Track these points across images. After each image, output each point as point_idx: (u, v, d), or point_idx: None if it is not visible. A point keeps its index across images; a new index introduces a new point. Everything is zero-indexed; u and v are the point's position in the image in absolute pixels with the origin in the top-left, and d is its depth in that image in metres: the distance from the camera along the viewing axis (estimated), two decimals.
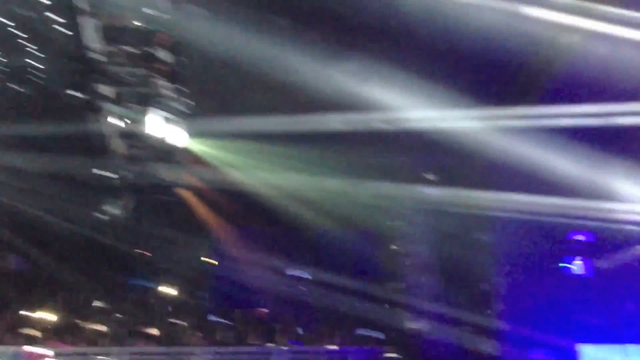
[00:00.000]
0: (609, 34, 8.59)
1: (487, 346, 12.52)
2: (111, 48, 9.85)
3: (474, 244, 12.76)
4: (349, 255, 13.47)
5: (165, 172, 12.58)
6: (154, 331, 14.21)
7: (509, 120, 10.12)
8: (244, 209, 13.39)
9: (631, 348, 14.51)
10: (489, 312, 12.67)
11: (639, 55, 8.78)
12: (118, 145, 11.76)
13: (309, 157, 11.73)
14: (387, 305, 12.82)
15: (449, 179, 12.13)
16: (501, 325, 12.51)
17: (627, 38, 8.60)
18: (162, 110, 10.98)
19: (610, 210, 12.08)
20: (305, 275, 13.74)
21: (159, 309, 14.83)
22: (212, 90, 11.12)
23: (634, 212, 12.20)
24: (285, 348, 13.29)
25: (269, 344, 13.60)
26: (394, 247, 12.67)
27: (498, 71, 10.17)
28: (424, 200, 12.19)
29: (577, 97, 9.78)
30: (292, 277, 13.83)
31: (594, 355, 14.70)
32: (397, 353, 12.85)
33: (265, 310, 14.41)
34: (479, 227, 12.73)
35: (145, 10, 9.34)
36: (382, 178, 11.93)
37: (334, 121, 10.41)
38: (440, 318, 12.34)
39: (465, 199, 11.86)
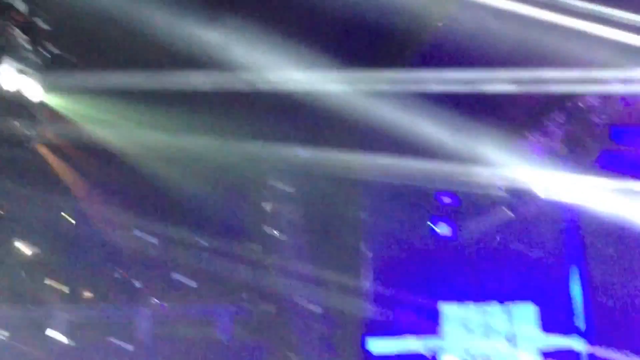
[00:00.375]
0: (479, 2, 8.63)
1: (353, 306, 12.59)
2: None
3: (342, 206, 12.72)
4: (214, 214, 13.14)
5: (19, 127, 11.83)
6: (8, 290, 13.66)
7: (378, 83, 10.03)
8: (104, 167, 12.78)
9: (489, 307, 15.05)
10: (356, 272, 12.70)
11: (507, 25, 8.89)
12: None
13: (173, 115, 11.31)
14: (254, 265, 12.63)
15: (317, 140, 11.99)
16: (368, 285, 12.59)
17: (496, 7, 8.66)
18: (16, 62, 10.24)
19: (475, 175, 12.33)
20: (169, 234, 13.31)
21: (16, 268, 14.17)
22: (71, 44, 10.50)
23: (497, 177, 12.49)
24: (148, 308, 12.94)
25: (131, 304, 13.24)
26: (261, 207, 12.43)
27: (368, 34, 10.07)
28: (292, 162, 12.01)
29: (445, 63, 9.79)
30: (155, 236, 13.36)
31: (455, 314, 15.17)
32: (264, 312, 12.75)
33: (127, 270, 13.93)
34: (347, 189, 12.67)
35: None
36: (249, 138, 11.66)
37: (199, 80, 10.03)
38: (307, 278, 12.27)
39: (333, 161, 11.79)
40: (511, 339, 14.58)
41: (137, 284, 13.49)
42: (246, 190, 12.89)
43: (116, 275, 13.75)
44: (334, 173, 12.02)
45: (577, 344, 15.71)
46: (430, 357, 14.79)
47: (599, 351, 15.26)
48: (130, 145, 11.97)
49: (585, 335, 15.81)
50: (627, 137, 12.86)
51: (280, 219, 12.23)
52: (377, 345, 14.15)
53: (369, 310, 12.67)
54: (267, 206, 12.26)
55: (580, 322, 15.95)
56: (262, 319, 12.83)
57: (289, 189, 12.24)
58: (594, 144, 12.23)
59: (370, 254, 12.74)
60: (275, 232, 12.16)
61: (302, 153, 11.85)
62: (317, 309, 12.19)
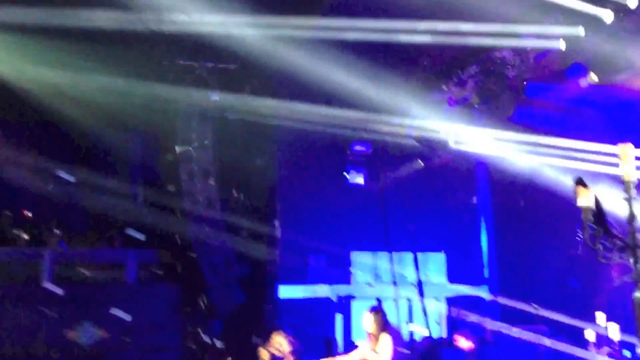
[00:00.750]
0: None
1: (264, 252, 12.51)
2: None
3: (254, 152, 12.54)
4: (123, 157, 12.80)
5: None
6: None
7: (292, 30, 9.80)
8: (6, 105, 12.21)
9: (399, 255, 15.23)
10: (268, 219, 12.60)
11: None
12: None
13: (80, 53, 10.83)
14: (163, 210, 12.36)
15: (230, 85, 11.73)
16: (279, 232, 12.52)
17: None
18: None
19: (389, 124, 12.30)
20: (76, 176, 12.88)
21: None
22: None
23: (411, 127, 12.49)
24: (53, 249, 12.56)
25: (37, 246, 12.83)
26: (171, 151, 12.12)
27: None
28: (204, 106, 11.74)
29: (362, 12, 9.62)
30: (60, 178, 12.91)
31: (364, 261, 15.32)
32: (171, 258, 12.56)
33: (32, 211, 13.46)
34: (260, 135, 12.48)
35: None
36: (162, 80, 11.32)
37: (106, 19, 9.59)
38: (218, 224, 12.09)
39: (246, 106, 11.57)
40: (419, 287, 14.79)
41: (42, 225, 13.07)
42: (156, 134, 12.54)
43: (22, 215, 13.29)
44: (247, 119, 11.81)
45: (482, 292, 16.10)
46: (340, 304, 14.92)
47: (502, 300, 15.66)
48: (35, 84, 11.44)
49: (490, 284, 16.21)
50: (540, 92, 12.99)
51: (191, 164, 11.96)
52: (287, 291, 14.19)
53: (279, 256, 12.61)
54: (178, 150, 11.95)
55: (485, 272, 16.33)
56: (171, 262, 12.62)
57: (200, 134, 11.94)
58: (508, 98, 12.31)
59: (282, 200, 12.61)
60: (185, 177, 11.89)
61: (215, 97, 11.58)
62: (229, 255, 12.03)
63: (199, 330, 12.21)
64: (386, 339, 9.53)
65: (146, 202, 12.61)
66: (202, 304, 12.13)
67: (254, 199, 12.46)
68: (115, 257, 12.51)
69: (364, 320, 9.72)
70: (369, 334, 9.63)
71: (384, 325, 9.66)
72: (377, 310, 9.93)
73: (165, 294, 12.26)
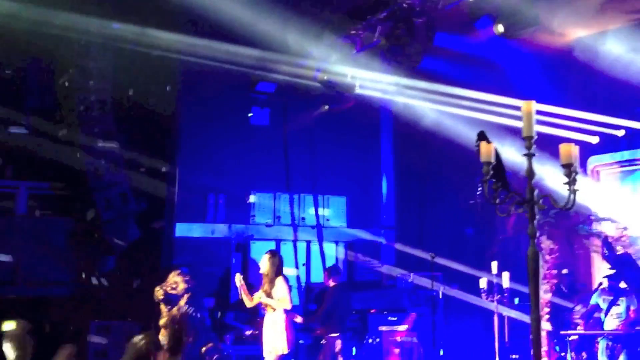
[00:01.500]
0: None
1: (163, 189, 12.24)
2: None
3: (157, 86, 12.14)
4: (16, 85, 12.19)
5: None
6: None
7: None
8: None
9: (300, 197, 15.20)
10: (167, 155, 12.29)
11: None
12: None
13: None
14: (57, 141, 11.89)
15: (132, 16, 11.24)
16: (178, 169, 12.25)
17: None
18: None
19: (296, 66, 12.14)
20: None
21: None
22: None
23: (317, 69, 12.35)
24: None
25: None
26: (68, 80, 11.62)
27: None
28: (104, 35, 11.24)
29: None
30: None
31: (264, 202, 15.21)
32: (65, 191, 12.15)
33: None
34: (162, 69, 12.08)
35: None
36: (60, 7, 10.75)
37: None
38: (115, 158, 11.73)
39: (149, 39, 11.13)
40: (318, 230, 14.85)
41: None
42: (53, 63, 11.96)
43: None
44: (150, 51, 11.38)
45: (380, 238, 16.27)
46: (238, 244, 14.82)
47: (400, 246, 15.89)
48: None
49: (388, 230, 16.39)
50: (448, 42, 13.02)
51: (88, 94, 11.49)
52: (185, 229, 13.98)
53: (178, 194, 12.37)
54: (75, 80, 11.46)
55: (385, 218, 16.48)
56: (65, 195, 12.21)
57: (99, 64, 11.47)
58: (416, 46, 12.28)
59: (181, 135, 12.30)
60: (82, 107, 11.43)
61: (116, 27, 11.10)
62: (125, 190, 11.72)
63: (92, 265, 11.94)
64: (282, 283, 9.51)
65: (40, 132, 12.07)
66: (95, 238, 11.82)
67: (153, 134, 12.09)
68: (5, 188, 12.02)
69: (261, 263, 9.68)
70: (265, 276, 9.60)
71: (280, 268, 9.64)
72: (275, 253, 9.90)
73: (57, 227, 11.90)
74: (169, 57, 11.61)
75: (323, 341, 12.26)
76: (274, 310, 9.49)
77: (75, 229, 11.79)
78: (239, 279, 9.65)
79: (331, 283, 12.17)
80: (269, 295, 9.50)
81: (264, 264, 9.62)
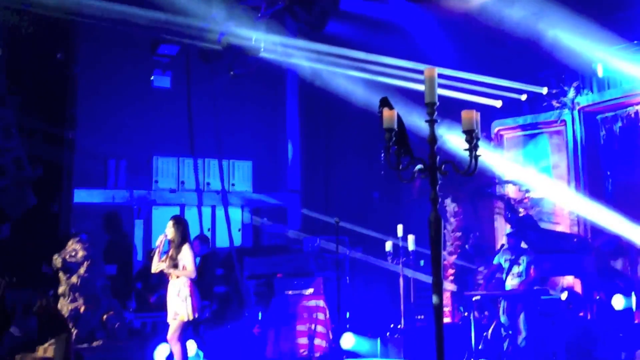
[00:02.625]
0: None
1: (60, 155, 11.80)
2: None
3: (51, 48, 11.62)
4: None
5: None
6: None
7: None
8: None
9: (204, 161, 14.98)
10: (64, 120, 11.82)
11: None
12: None
13: None
14: None
15: None
16: (75, 134, 11.81)
17: None
18: None
19: (200, 29, 11.86)
20: None
21: None
22: None
23: (223, 33, 12.09)
24: None
25: None
26: None
27: None
28: None
29: None
30: None
31: (167, 167, 14.95)
32: None
33: None
34: (60, 31, 11.56)
35: None
36: None
37: None
38: (9, 123, 11.20)
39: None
40: (223, 195, 14.65)
41: None
42: None
43: None
44: (46, 13, 10.85)
45: (286, 202, 16.22)
46: (140, 210, 14.54)
47: (306, 210, 15.89)
48: None
49: (294, 194, 16.35)
50: (355, 6, 12.96)
51: None
52: (85, 196, 13.61)
53: (76, 160, 11.95)
54: None
55: (291, 182, 16.42)
56: None
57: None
58: (321, 10, 12.14)
59: (81, 103, 11.86)
60: None
61: None
62: (20, 156, 11.22)
63: None
64: (187, 250, 9.35)
65: None
66: None
67: (50, 98, 11.60)
68: None
69: (166, 229, 9.46)
70: (171, 242, 9.40)
71: (186, 235, 9.46)
72: (179, 219, 9.70)
73: None
74: (67, 18, 11.09)
75: None
76: (177, 277, 9.33)
77: None
78: (160, 239, 9.42)
79: (204, 251, 12.09)
80: (175, 260, 9.31)
81: (170, 231, 9.42)
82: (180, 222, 9.54)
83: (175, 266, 9.32)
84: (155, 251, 9.46)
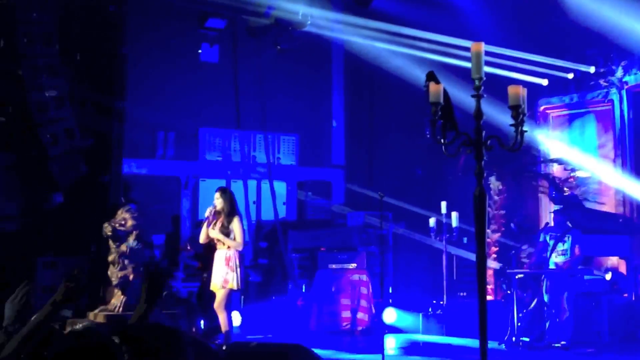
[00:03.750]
0: None
1: (110, 125, 11.99)
2: None
3: (101, 21, 11.77)
4: None
5: None
6: None
7: None
8: None
9: (247, 135, 15.10)
10: (114, 91, 11.99)
11: None
12: None
13: None
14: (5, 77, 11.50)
15: None
16: (125, 106, 11.97)
17: None
18: None
19: (247, 2, 11.92)
20: None
21: None
22: None
23: (270, 7, 12.14)
24: None
25: None
26: (10, 13, 11.20)
27: None
28: None
29: None
30: None
31: (214, 139, 15.09)
32: (7, 125, 11.80)
33: None
34: (107, 2, 11.70)
35: None
36: None
37: None
38: (61, 92, 11.40)
39: None
40: (269, 168, 14.80)
41: None
42: None
43: None
44: None
45: (330, 176, 16.29)
46: (187, 181, 14.72)
47: (350, 185, 15.94)
48: None
49: (338, 169, 16.41)
50: None
51: (31, 26, 11.10)
52: (133, 166, 13.83)
53: (125, 130, 12.13)
54: (19, 13, 11.07)
55: (335, 157, 16.49)
56: (8, 130, 11.82)
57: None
58: None
59: (130, 74, 11.99)
60: (25, 39, 11.05)
61: None
62: (71, 125, 11.42)
63: (39, 200, 11.74)
64: (238, 223, 9.52)
65: None
66: (41, 174, 11.58)
67: (100, 69, 11.79)
68: None
69: (215, 201, 9.63)
70: (221, 212, 9.56)
71: (234, 204, 9.64)
72: (225, 189, 9.88)
73: (1, 162, 11.62)
74: None
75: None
76: (228, 247, 9.50)
77: (19, 165, 11.54)
78: (209, 210, 9.62)
79: None
80: (226, 229, 9.49)
81: (218, 201, 9.59)
82: (226, 192, 9.73)
83: (227, 235, 9.50)
84: (204, 222, 9.65)
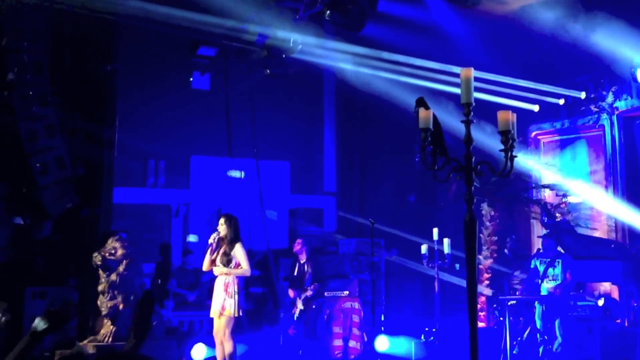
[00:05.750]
0: None
1: (101, 154, 11.96)
2: None
3: (93, 49, 11.79)
4: None
5: None
6: None
7: None
8: None
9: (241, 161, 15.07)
10: (105, 120, 11.98)
11: None
12: None
13: None
14: None
15: None
16: (115, 134, 11.96)
17: None
18: None
19: (238, 30, 11.96)
20: None
21: None
22: None
23: (261, 35, 12.18)
24: None
25: None
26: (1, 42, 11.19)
27: None
28: None
29: None
30: None
31: (206, 167, 15.07)
32: None
33: None
34: (100, 31, 11.71)
35: None
36: None
37: None
38: (51, 122, 11.38)
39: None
40: (260, 195, 14.75)
41: None
42: None
43: None
44: (88, 13, 11.01)
45: (322, 204, 16.27)
46: (178, 209, 14.68)
47: (341, 212, 15.91)
48: None
49: (330, 196, 16.39)
50: (392, 8, 12.97)
51: (22, 55, 11.10)
52: (124, 195, 13.77)
53: (116, 159, 12.10)
54: (6, 41, 11.06)
55: (327, 183, 16.47)
56: None
57: (33, 25, 11.08)
58: (359, 13, 12.20)
59: (121, 103, 11.99)
60: (15, 68, 11.03)
61: None
62: (61, 155, 11.38)
63: (28, 230, 11.66)
64: (241, 249, 9.42)
65: None
66: (31, 204, 11.52)
67: (91, 98, 11.77)
68: None
69: (219, 227, 9.54)
70: (224, 239, 9.47)
71: (238, 231, 9.53)
72: (231, 216, 9.75)
73: None
74: (107, 19, 11.25)
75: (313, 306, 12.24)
76: (228, 274, 9.40)
77: (10, 195, 11.47)
78: (213, 237, 9.54)
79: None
80: (228, 257, 9.38)
81: (222, 228, 9.50)
82: (231, 219, 9.61)
83: (229, 262, 9.41)
84: (208, 250, 9.57)
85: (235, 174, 15.11)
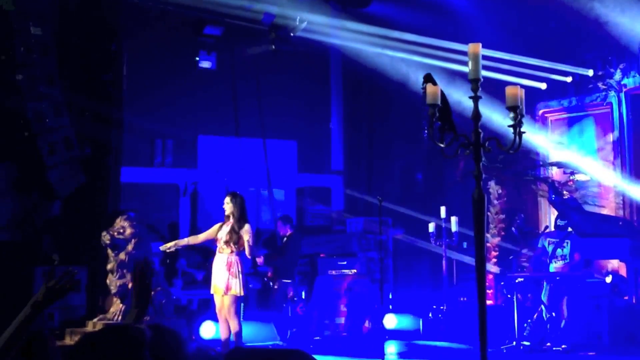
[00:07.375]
0: None
1: (108, 134, 11.98)
2: None
3: (99, 29, 11.76)
4: None
5: None
6: None
7: None
8: None
9: (248, 140, 15.04)
10: (112, 99, 11.99)
11: None
12: None
13: None
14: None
15: None
16: (123, 114, 11.97)
17: None
18: None
19: (243, 8, 11.92)
20: None
21: None
22: None
23: (266, 13, 12.14)
24: None
25: None
26: (6, 21, 11.19)
27: None
28: None
29: None
30: None
31: (212, 146, 15.06)
32: (5, 135, 11.78)
33: None
34: (106, 12, 11.70)
35: None
36: None
37: None
38: (58, 102, 11.40)
39: None
40: (268, 174, 14.76)
41: None
42: None
43: None
44: None
45: (330, 182, 16.26)
46: (186, 188, 14.68)
47: (349, 191, 15.91)
48: None
49: (337, 175, 16.38)
50: None
51: (27, 39, 11.09)
52: (132, 174, 13.79)
53: (124, 139, 12.12)
54: (16, 23, 11.06)
55: (334, 162, 16.46)
56: (7, 139, 11.81)
57: (39, 5, 11.07)
58: None
59: (128, 83, 12.00)
60: (22, 49, 11.04)
61: None
62: (69, 134, 11.41)
63: (37, 210, 11.70)
64: (249, 229, 9.41)
65: None
66: (39, 183, 11.55)
67: (98, 78, 11.77)
68: None
69: (225, 206, 9.54)
70: (231, 217, 9.47)
71: (244, 209, 9.52)
72: (236, 194, 9.74)
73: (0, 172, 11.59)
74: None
75: (275, 286, 12.36)
76: (232, 252, 9.39)
77: (18, 174, 11.50)
78: (166, 247, 9.81)
79: (288, 231, 12.43)
80: (237, 234, 9.37)
81: (228, 206, 9.49)
82: (236, 197, 9.59)
83: (238, 240, 9.39)
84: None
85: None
